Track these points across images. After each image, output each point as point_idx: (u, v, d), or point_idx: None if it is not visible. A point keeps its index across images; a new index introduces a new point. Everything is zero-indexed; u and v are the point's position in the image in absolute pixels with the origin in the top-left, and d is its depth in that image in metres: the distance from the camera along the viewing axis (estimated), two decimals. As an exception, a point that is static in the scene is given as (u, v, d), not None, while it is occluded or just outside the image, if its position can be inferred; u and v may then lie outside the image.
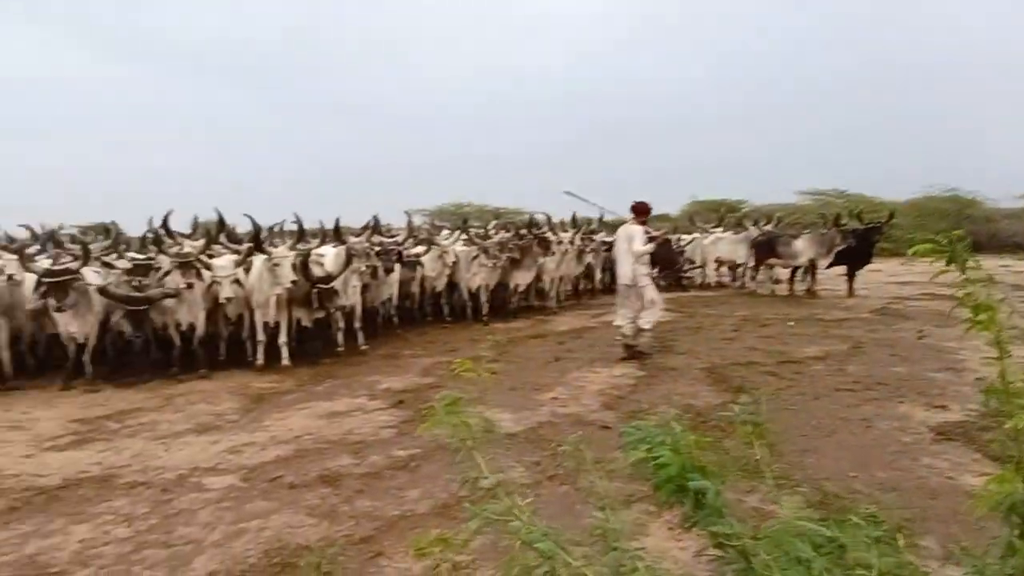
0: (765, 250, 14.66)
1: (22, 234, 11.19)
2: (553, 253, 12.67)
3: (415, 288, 11.65)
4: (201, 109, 66.34)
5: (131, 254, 9.36)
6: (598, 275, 15.53)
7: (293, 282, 8.19)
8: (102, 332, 8.22)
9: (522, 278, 12.40)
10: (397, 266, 10.50)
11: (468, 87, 77.64)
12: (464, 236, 12.38)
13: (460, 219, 17.59)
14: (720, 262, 17.19)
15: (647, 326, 8.45)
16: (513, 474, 4.57)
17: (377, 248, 10.14)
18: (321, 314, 8.79)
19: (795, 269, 14.61)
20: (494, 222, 15.92)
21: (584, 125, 68.52)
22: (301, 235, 9.86)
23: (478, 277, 11.86)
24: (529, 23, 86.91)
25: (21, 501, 4.53)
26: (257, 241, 8.68)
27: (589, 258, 14.50)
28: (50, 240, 10.81)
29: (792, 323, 10.84)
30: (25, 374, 8.33)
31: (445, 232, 14.18)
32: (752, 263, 15.37)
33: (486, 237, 12.52)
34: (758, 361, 8.13)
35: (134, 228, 12.69)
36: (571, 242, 13.27)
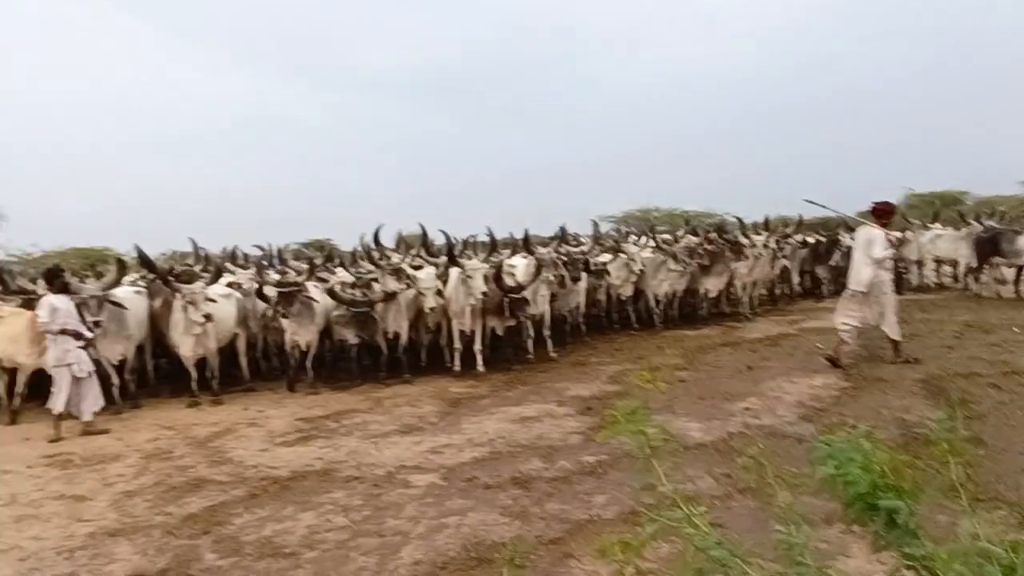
0: (989, 248, 13.12)
1: (255, 252, 12.84)
2: (745, 257, 12.15)
3: (602, 296, 11.73)
4: (393, 128, 71.49)
5: (353, 269, 10.30)
6: (795, 279, 14.66)
7: (484, 293, 8.61)
8: (321, 340, 9.13)
9: (712, 284, 12.05)
10: (584, 275, 10.65)
11: (647, 82, 76.57)
12: (651, 243, 12.27)
13: (647, 224, 17.43)
14: (940, 261, 15.57)
15: (898, 337, 8.06)
16: (702, 485, 4.50)
17: (564, 258, 10.36)
18: (513, 323, 9.14)
19: (1021, 269, 13.00)
20: (683, 228, 15.59)
21: (770, 112, 65.17)
22: (494, 247, 10.35)
23: (665, 284, 11.70)
24: (704, 10, 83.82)
25: (259, 489, 5.18)
26: (452, 254, 9.24)
27: (784, 262, 13.72)
28: (278, 257, 12.30)
29: (1018, 329, 9.61)
30: (260, 377, 9.46)
31: (632, 238, 14.14)
32: (975, 262, 13.76)
33: (675, 242, 12.32)
34: (980, 372, 7.32)
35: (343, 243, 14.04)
36: (764, 245, 12.64)
